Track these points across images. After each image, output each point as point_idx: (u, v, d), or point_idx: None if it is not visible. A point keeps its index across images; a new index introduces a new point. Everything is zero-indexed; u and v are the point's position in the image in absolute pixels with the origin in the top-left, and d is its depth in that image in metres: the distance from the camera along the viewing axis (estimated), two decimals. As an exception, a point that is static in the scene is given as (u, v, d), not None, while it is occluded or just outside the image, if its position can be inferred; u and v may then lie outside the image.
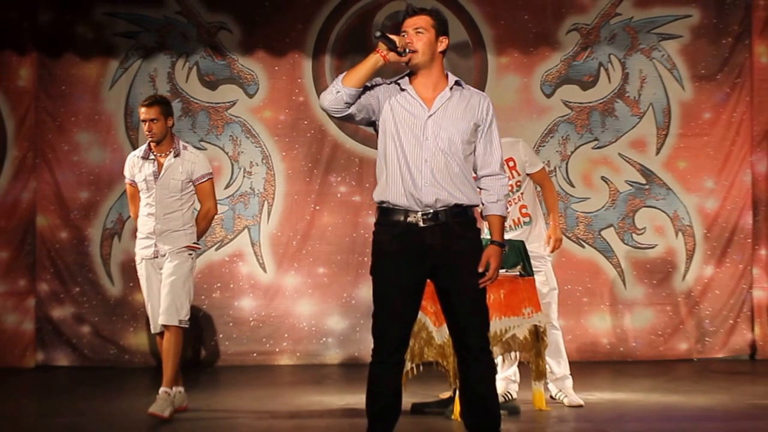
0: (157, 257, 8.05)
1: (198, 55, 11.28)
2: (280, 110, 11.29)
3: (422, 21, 5.82)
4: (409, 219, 5.75)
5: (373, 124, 5.90)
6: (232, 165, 11.26)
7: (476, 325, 5.80)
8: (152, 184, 8.04)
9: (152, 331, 8.27)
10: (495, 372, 6.09)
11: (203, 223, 8.25)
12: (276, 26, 11.27)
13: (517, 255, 8.02)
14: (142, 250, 8.15)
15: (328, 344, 11.23)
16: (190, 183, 8.10)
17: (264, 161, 11.27)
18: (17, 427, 7.77)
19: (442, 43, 5.88)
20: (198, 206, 8.25)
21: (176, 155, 8.06)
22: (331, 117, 5.96)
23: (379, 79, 5.90)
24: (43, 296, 11.04)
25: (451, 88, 5.89)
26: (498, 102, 10.94)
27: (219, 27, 11.28)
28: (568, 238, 11.16)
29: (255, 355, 11.18)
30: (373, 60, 5.71)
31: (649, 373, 10.23)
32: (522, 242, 8.17)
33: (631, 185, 11.32)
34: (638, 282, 11.29)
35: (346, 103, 5.72)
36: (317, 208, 11.26)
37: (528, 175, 8.53)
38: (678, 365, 10.88)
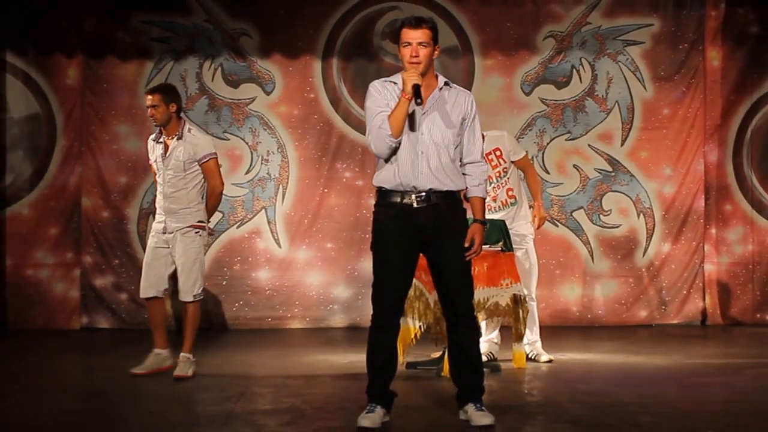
0: (165, 233, 7.84)
1: (222, 58, 11.22)
2: (293, 106, 11.25)
3: (426, 36, 5.82)
4: (405, 201, 5.81)
5: None
6: (252, 153, 11.21)
7: (462, 293, 5.87)
8: (161, 165, 7.87)
9: (141, 296, 8.08)
10: (479, 335, 6.14)
11: (211, 200, 7.96)
12: (290, 33, 11.22)
13: (499, 233, 8.02)
14: (156, 224, 7.95)
15: (334, 310, 11.22)
16: (194, 163, 7.83)
17: (279, 150, 11.23)
18: (66, 381, 7.78)
19: (436, 52, 5.91)
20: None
21: (179, 138, 7.84)
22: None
23: (379, 85, 5.91)
24: (87, 267, 11.02)
25: (440, 89, 5.91)
26: (483, 99, 11.02)
27: (241, 33, 11.22)
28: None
29: (270, 319, 11.16)
30: (405, 107, 5.71)
31: (613, 337, 10.23)
32: (503, 221, 8.16)
33: (599, 172, 11.29)
34: (604, 257, 11.27)
35: (397, 146, 5.77)
36: (325, 191, 11.24)
37: (513, 162, 8.52)
38: (639, 330, 10.88)
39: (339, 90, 11.20)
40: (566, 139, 11.29)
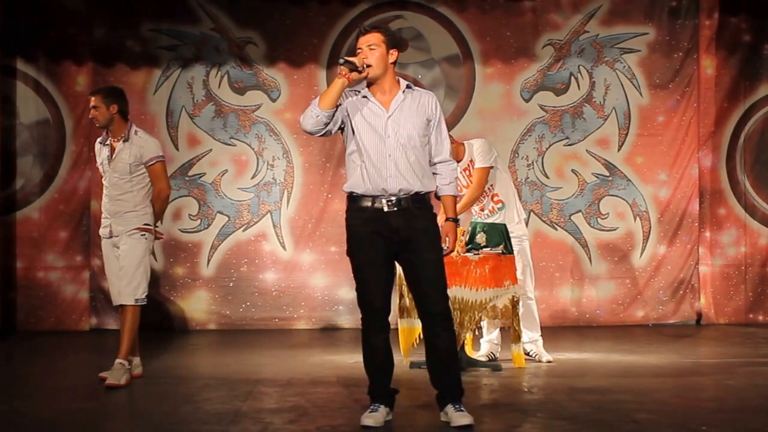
0: (111, 237, 7.55)
1: (229, 66, 11.28)
2: (298, 112, 11.00)
3: (374, 38, 5.83)
4: (376, 205, 5.78)
5: (342, 130, 5.94)
6: (258, 159, 11.27)
7: (437, 293, 5.79)
8: (107, 168, 7.59)
9: (114, 304, 7.77)
10: (455, 336, 6.08)
11: (158, 203, 7.64)
12: (295, 42, 11.28)
13: (500, 236, 8.04)
14: (102, 229, 7.65)
15: (339, 311, 11.26)
16: (141, 165, 7.53)
17: (284, 156, 11.29)
18: (77, 381, 7.81)
19: (393, 55, 5.88)
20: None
21: (125, 140, 7.54)
22: (310, 135, 5.97)
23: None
24: (96, 270, 11.03)
25: (403, 92, 5.88)
26: (484, 106, 11.11)
27: (247, 42, 11.28)
28: (543, 221, 11.23)
29: (276, 320, 11.21)
30: (340, 83, 5.73)
31: (610, 337, 10.27)
32: (504, 225, 8.18)
33: (596, 177, 11.34)
34: (602, 259, 11.32)
35: (324, 123, 5.77)
36: (329, 196, 11.28)
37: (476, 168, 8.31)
38: (635, 330, 10.92)
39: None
40: (565, 145, 11.34)
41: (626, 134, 11.32)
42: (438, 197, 5.98)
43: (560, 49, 11.34)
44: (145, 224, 7.56)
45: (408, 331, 8.06)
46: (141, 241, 7.53)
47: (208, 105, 11.23)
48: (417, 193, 5.80)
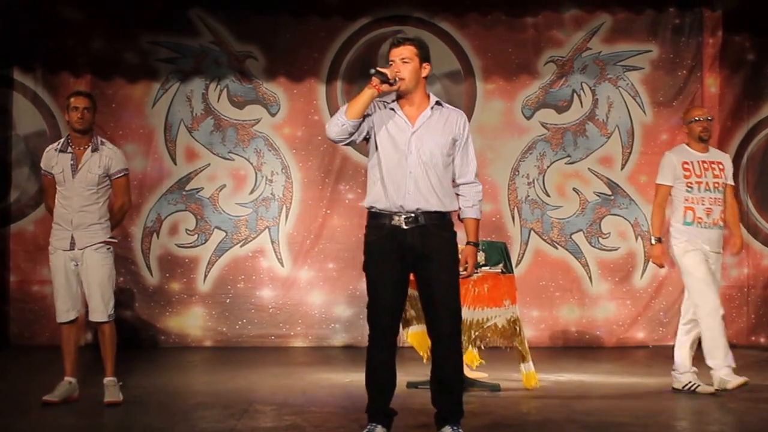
0: (73, 249, 7.35)
1: (228, 79, 11.30)
2: (297, 127, 11.32)
3: (408, 51, 5.79)
4: (393, 222, 5.76)
5: (366, 140, 5.92)
6: (256, 174, 11.28)
7: (447, 314, 5.77)
8: (68, 177, 7.35)
9: (58, 320, 7.59)
10: (462, 358, 6.06)
11: (118, 215, 7.58)
12: (295, 56, 11.30)
13: (500, 254, 8.05)
14: (58, 241, 7.40)
15: (335, 329, 11.24)
16: (107, 177, 7.43)
17: (283, 171, 11.30)
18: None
19: (425, 69, 5.86)
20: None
21: (94, 149, 7.41)
22: (336, 143, 5.97)
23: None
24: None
25: (432, 108, 5.86)
26: (484, 123, 11.12)
27: (247, 55, 11.30)
28: (544, 240, 11.23)
29: (273, 337, 11.20)
30: (369, 93, 5.71)
31: (610, 358, 10.29)
32: (504, 243, 8.20)
33: (598, 196, 11.34)
34: (603, 279, 11.31)
35: (349, 132, 5.75)
36: (328, 212, 11.29)
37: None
38: (636, 351, 10.93)
39: (342, 112, 11.21)
40: (566, 163, 11.35)
41: (629, 152, 11.33)
42: (461, 219, 5.95)
43: (562, 66, 11.36)
44: (111, 237, 7.49)
45: (420, 335, 7.81)
46: (108, 255, 7.43)
47: (207, 119, 11.25)
48: (436, 212, 5.76)
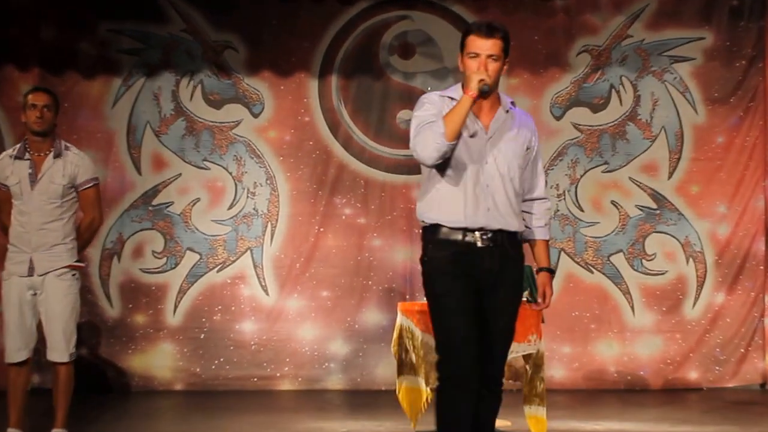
0: (32, 275, 7.25)
1: (203, 74, 11.30)
2: (285, 130, 11.28)
3: (497, 48, 5.63)
4: (467, 239, 5.63)
5: None
6: (236, 185, 11.25)
7: (499, 354, 5.74)
8: (26, 188, 7.27)
9: (7, 360, 7.43)
10: (500, 404, 5.95)
11: (86, 234, 7.54)
12: (282, 45, 11.28)
13: (525, 280, 7.90)
14: (14, 265, 7.30)
15: (330, 369, 11.16)
16: (73, 188, 7.35)
17: (268, 182, 11.25)
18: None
19: (506, 67, 5.76)
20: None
21: (57, 155, 7.33)
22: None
23: (435, 97, 5.78)
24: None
25: (507, 111, 5.76)
26: (507, 124, 10.95)
27: (225, 46, 11.30)
28: (577, 263, 11.17)
29: (255, 379, 11.14)
30: (468, 106, 5.50)
31: (657, 403, 10.24)
32: (530, 267, 8.02)
33: (641, 210, 11.29)
34: (647, 309, 11.24)
35: (447, 155, 5.58)
36: (321, 230, 11.24)
37: None
38: (687, 395, 10.87)
39: (338, 112, 11.17)
40: (603, 171, 11.31)
41: (678, 158, 11.29)
42: (527, 240, 5.88)
43: (598, 57, 11.34)
44: (77, 261, 7.39)
45: (413, 391, 7.88)
46: (73, 283, 7.36)
47: (178, 120, 11.24)
48: (513, 232, 5.70)
